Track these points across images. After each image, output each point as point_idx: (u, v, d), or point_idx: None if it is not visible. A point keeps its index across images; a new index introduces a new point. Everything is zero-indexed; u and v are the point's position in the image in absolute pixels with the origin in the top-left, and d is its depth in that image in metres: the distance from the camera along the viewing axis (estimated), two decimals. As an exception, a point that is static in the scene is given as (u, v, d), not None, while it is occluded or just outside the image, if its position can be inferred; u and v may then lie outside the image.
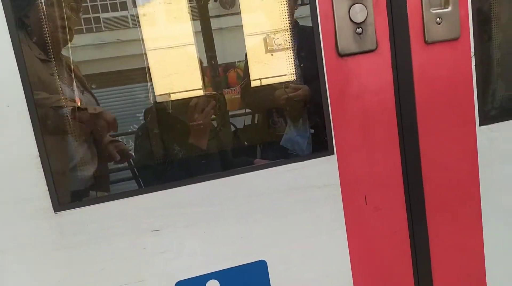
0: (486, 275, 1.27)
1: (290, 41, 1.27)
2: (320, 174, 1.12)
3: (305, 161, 1.11)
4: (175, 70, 1.51)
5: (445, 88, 1.15)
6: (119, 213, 1.01)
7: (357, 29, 1.06)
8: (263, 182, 1.08)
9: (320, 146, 1.14)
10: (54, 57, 1.19)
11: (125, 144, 1.52)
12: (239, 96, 1.73)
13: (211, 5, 1.67)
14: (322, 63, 1.07)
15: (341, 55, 1.07)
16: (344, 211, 1.14)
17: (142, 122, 1.65)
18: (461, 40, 1.13)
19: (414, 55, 1.11)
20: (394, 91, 1.12)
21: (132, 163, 1.57)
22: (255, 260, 1.11)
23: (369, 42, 1.08)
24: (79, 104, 1.27)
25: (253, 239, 1.10)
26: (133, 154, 1.57)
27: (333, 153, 1.11)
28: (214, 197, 1.06)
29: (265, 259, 1.12)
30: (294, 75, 1.32)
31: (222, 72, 2.04)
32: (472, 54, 1.14)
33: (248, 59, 1.56)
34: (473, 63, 1.15)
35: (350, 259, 1.17)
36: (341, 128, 1.11)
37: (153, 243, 1.03)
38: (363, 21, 1.06)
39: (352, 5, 1.04)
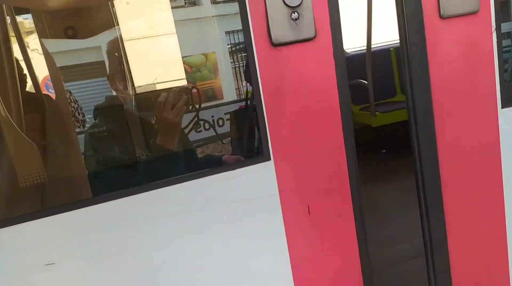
0: (509, 267, 1.18)
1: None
2: (255, 183, 0.96)
3: (237, 170, 0.95)
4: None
5: (460, 68, 1.03)
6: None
7: (293, 14, 0.91)
8: (185, 197, 0.91)
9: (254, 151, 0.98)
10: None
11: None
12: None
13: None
14: (253, 55, 0.91)
15: (274, 45, 0.92)
16: (284, 224, 1.00)
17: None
18: (481, 13, 1.00)
19: None
20: (337, 86, 0.98)
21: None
22: (182, 288, 0.95)
23: (307, 29, 0.93)
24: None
25: (177, 264, 0.93)
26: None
27: (270, 159, 0.96)
28: (123, 219, 0.87)
29: (194, 286, 0.96)
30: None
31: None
32: (494, 29, 1.02)
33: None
34: (495, 40, 1.03)
35: (293, 279, 1.03)
36: (278, 129, 0.96)
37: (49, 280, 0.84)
38: (299, 5, 0.90)
39: None
